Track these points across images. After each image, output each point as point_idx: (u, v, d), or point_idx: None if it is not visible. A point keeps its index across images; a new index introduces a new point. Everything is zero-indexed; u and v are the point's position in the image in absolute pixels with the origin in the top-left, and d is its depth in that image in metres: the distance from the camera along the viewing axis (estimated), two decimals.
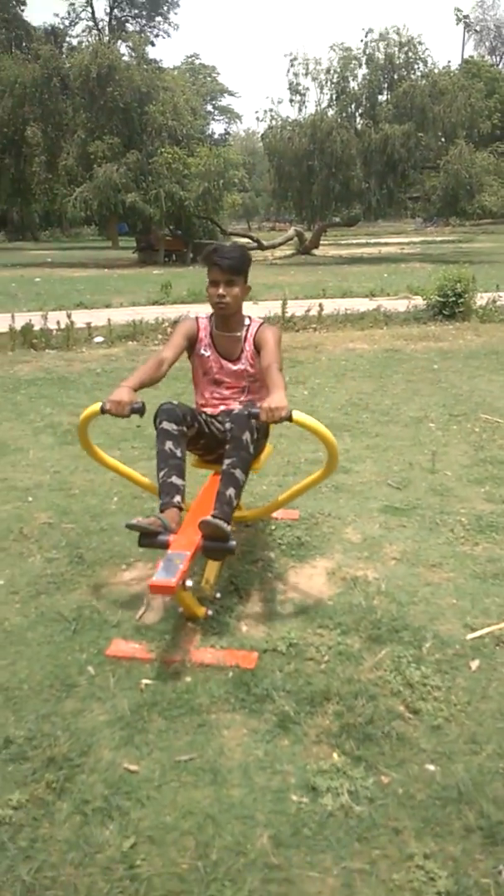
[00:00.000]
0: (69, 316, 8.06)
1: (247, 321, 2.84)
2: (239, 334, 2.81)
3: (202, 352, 2.85)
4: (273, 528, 3.17)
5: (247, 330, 2.82)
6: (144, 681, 2.14)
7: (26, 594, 2.67)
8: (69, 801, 1.71)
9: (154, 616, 2.51)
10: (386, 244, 31.16)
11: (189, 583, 2.25)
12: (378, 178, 23.27)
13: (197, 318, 2.90)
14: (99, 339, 8.14)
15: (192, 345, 2.85)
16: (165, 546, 2.32)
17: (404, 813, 1.68)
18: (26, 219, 39.27)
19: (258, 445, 2.65)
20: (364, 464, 4.03)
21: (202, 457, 2.92)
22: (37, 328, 7.84)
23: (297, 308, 9.25)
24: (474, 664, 2.20)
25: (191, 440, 2.71)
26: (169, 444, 2.56)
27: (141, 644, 2.32)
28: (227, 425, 2.55)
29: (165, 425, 2.59)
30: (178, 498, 2.51)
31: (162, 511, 2.48)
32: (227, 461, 2.47)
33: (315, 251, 26.65)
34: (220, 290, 2.70)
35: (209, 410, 2.85)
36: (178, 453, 2.58)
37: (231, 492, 2.44)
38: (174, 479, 2.54)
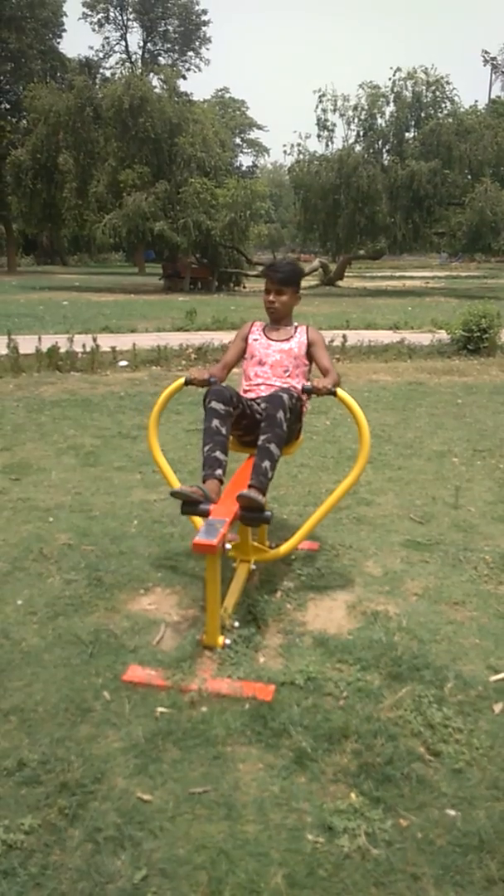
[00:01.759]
0: (95, 339, 8.16)
1: (295, 323, 3.29)
2: (289, 328, 3.24)
3: (253, 338, 3.25)
4: (293, 558, 3.15)
5: (296, 328, 3.24)
6: (160, 708, 2.12)
7: (44, 615, 2.66)
8: (81, 829, 1.69)
9: (171, 642, 2.49)
10: (410, 278, 31.35)
11: (228, 546, 2.52)
12: (404, 213, 23.49)
13: (253, 321, 3.36)
14: (123, 363, 8.22)
15: (246, 339, 3.27)
16: (206, 514, 2.52)
17: (423, 858, 1.63)
18: (56, 243, 40.08)
19: (292, 427, 2.90)
20: (386, 496, 4.01)
21: (241, 437, 3.12)
22: (62, 350, 7.94)
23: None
24: (498, 707, 2.15)
25: (236, 420, 2.94)
26: (216, 422, 2.80)
27: (157, 671, 2.30)
28: (263, 405, 2.84)
29: (214, 404, 2.83)
30: (219, 471, 2.74)
31: (204, 482, 2.70)
32: (262, 437, 2.71)
33: (339, 283, 26.85)
34: (271, 297, 3.18)
35: (251, 395, 3.11)
36: (224, 431, 2.81)
37: (266, 464, 2.67)
38: (218, 454, 2.76)
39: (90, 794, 1.79)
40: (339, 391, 2.86)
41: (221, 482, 2.73)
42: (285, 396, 2.76)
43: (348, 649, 2.43)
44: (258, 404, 3.02)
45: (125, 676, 2.27)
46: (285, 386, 3.04)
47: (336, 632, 2.57)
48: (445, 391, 7.09)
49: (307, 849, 1.65)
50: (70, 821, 1.71)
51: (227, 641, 2.42)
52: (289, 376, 3.13)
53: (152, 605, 2.75)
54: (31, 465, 4.49)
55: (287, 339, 3.19)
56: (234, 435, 3.07)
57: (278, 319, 3.23)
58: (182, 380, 3.08)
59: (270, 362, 3.15)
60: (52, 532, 3.42)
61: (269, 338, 3.22)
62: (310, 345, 3.19)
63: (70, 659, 2.38)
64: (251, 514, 2.56)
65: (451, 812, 1.77)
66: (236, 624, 2.54)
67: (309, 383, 2.90)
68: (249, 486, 2.60)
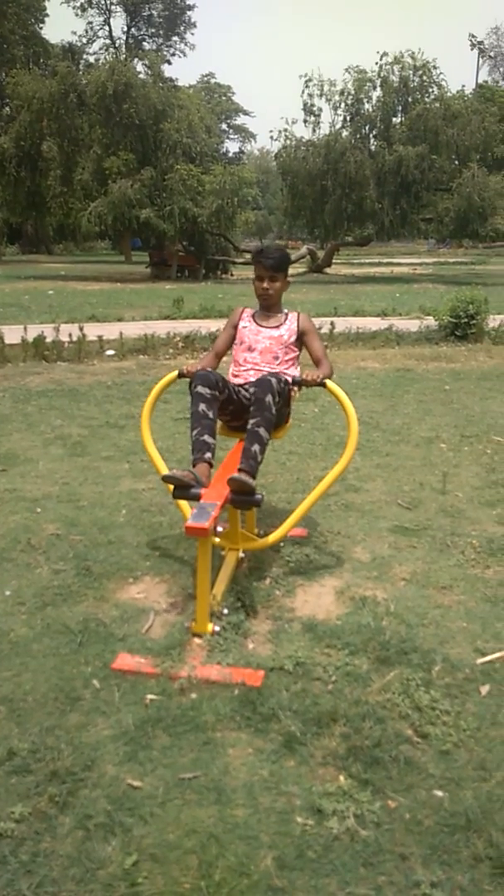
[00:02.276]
0: (81, 328, 8.10)
1: (285, 309, 3.27)
2: (279, 315, 3.23)
3: (242, 325, 3.23)
4: (282, 545, 3.15)
5: (286, 315, 3.23)
6: (149, 696, 2.12)
7: (33, 605, 2.66)
8: (72, 816, 1.69)
9: (160, 630, 2.49)
10: (398, 264, 31.32)
11: (220, 528, 2.52)
12: (391, 199, 23.42)
13: (243, 308, 3.33)
14: (110, 352, 8.17)
15: (236, 326, 3.26)
16: (198, 498, 2.53)
17: (411, 839, 1.65)
18: (40, 232, 39.63)
19: (281, 411, 2.93)
20: (374, 483, 4.02)
21: (229, 423, 3.16)
22: (49, 340, 7.88)
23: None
24: (484, 689, 2.17)
25: (222, 405, 2.95)
26: (202, 406, 2.81)
27: (146, 658, 2.31)
28: (251, 390, 2.83)
29: (199, 389, 2.84)
30: (208, 454, 2.76)
31: (194, 466, 2.72)
32: (251, 421, 2.73)
33: (327, 269, 26.79)
34: (265, 285, 3.14)
35: (239, 381, 3.10)
36: (211, 415, 2.83)
37: (256, 448, 2.69)
38: (206, 438, 2.78)
39: (80, 782, 1.80)
40: (329, 383, 2.91)
41: (211, 465, 2.76)
42: (273, 380, 2.77)
43: (337, 634, 2.45)
44: (246, 389, 3.02)
45: (114, 665, 2.27)
46: (275, 371, 3.04)
47: (325, 617, 2.58)
48: (433, 377, 7.11)
49: (296, 831, 1.67)
50: (60, 808, 1.71)
51: (217, 628, 2.43)
52: (279, 363, 3.13)
53: (141, 594, 2.75)
54: (18, 456, 4.47)
55: (277, 326, 3.19)
56: (221, 420, 3.09)
57: (270, 306, 3.22)
58: (175, 372, 3.10)
59: (260, 349, 3.15)
60: (39, 522, 3.41)
61: (258, 324, 3.21)
62: (302, 333, 3.19)
63: (59, 648, 2.38)
64: (242, 498, 2.58)
65: (439, 793, 1.79)
66: (225, 611, 2.55)
67: (299, 375, 2.87)
68: (239, 470, 2.62)
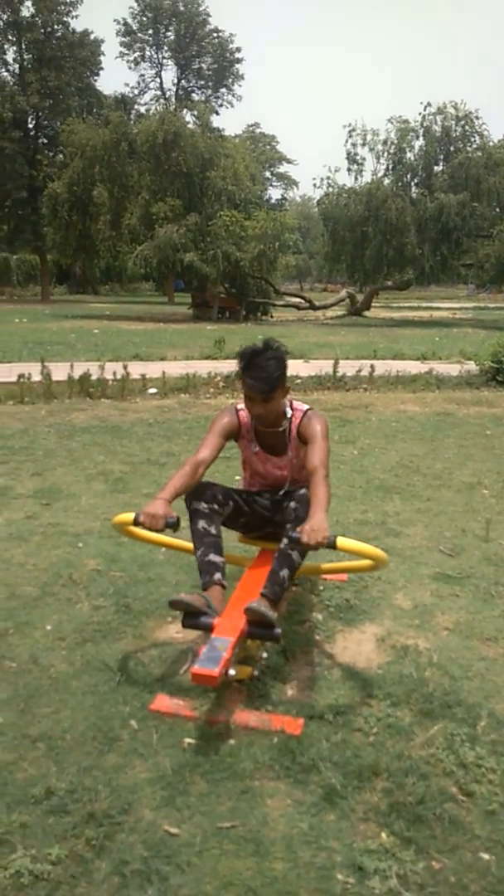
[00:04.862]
0: (125, 367, 8.27)
1: (289, 412, 2.67)
2: (282, 429, 2.67)
3: (247, 445, 2.77)
4: (321, 588, 3.12)
5: (290, 422, 2.67)
6: (187, 739, 2.10)
7: (73, 641, 2.67)
8: (108, 861, 1.67)
9: None
10: (437, 308, 31.35)
11: (232, 671, 2.17)
12: (432, 245, 23.64)
13: (237, 412, 2.73)
14: (152, 390, 8.31)
15: (234, 437, 2.75)
16: (210, 629, 2.27)
17: None
18: (88, 273, 40.87)
19: None
20: (415, 527, 3.97)
21: (245, 534, 2.91)
22: (94, 378, 8.06)
23: (347, 368, 9.31)
24: None
25: (230, 518, 2.72)
26: (202, 524, 2.54)
27: (185, 700, 2.28)
28: (292, 504, 2.48)
29: (195, 505, 2.57)
30: (218, 575, 2.48)
31: (205, 590, 2.45)
32: (286, 541, 2.36)
33: (366, 313, 26.96)
34: (258, 410, 2.58)
35: (252, 487, 2.84)
36: (213, 531, 2.55)
37: (285, 573, 2.40)
38: (212, 557, 2.50)
39: (117, 826, 1.77)
40: (340, 541, 2.16)
41: (224, 587, 2.48)
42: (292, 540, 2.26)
43: (378, 684, 2.39)
44: (263, 497, 2.77)
45: (152, 706, 2.25)
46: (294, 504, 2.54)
47: (365, 665, 2.53)
48: (474, 422, 7.04)
49: (337, 889, 1.61)
50: (97, 852, 1.69)
51: (256, 672, 2.39)
52: (293, 482, 2.76)
53: (179, 633, 2.74)
54: (62, 491, 4.54)
55: (283, 452, 2.72)
56: (236, 531, 2.89)
57: (269, 425, 2.68)
58: (131, 515, 2.39)
59: (271, 480, 2.80)
60: (81, 557, 3.44)
61: (262, 446, 2.74)
62: (303, 439, 2.62)
63: (98, 686, 2.37)
64: (260, 631, 2.27)
65: (485, 856, 1.72)
66: (264, 655, 2.52)
67: (296, 533, 2.18)
68: (262, 595, 2.34)
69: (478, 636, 2.76)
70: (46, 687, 2.37)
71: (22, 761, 2.00)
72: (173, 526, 2.32)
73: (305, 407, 2.71)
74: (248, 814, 1.83)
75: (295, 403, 2.71)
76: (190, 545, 2.65)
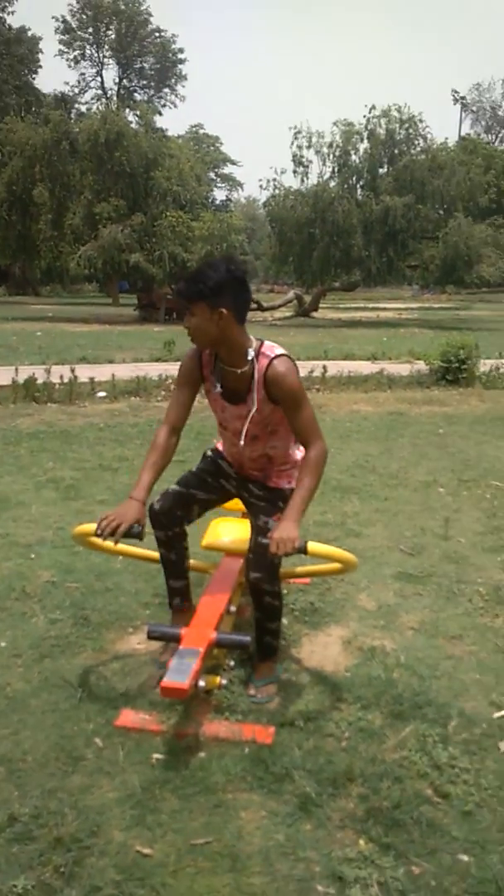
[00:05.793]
0: (72, 370, 8.08)
1: (251, 353, 2.23)
2: (242, 370, 2.26)
3: (210, 386, 2.37)
4: (285, 592, 3.07)
5: (253, 366, 2.24)
6: (156, 755, 2.03)
7: (29, 658, 2.56)
8: (78, 888, 1.59)
9: None
10: (384, 309, 31.81)
11: (202, 683, 2.10)
12: (378, 247, 23.95)
13: (199, 352, 2.35)
14: (102, 393, 8.14)
15: (201, 382, 2.39)
16: (177, 639, 2.18)
17: None
18: (28, 274, 39.93)
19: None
20: (375, 528, 3.97)
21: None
22: (39, 381, 7.85)
23: (299, 369, 9.29)
24: (503, 745, 2.10)
25: (220, 498, 2.58)
26: (162, 551, 2.53)
27: (151, 715, 2.21)
28: (251, 576, 2.27)
29: (154, 532, 2.45)
30: (177, 600, 2.60)
31: (173, 615, 2.62)
32: (256, 614, 2.40)
33: (314, 314, 27.13)
34: (185, 323, 2.24)
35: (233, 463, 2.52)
36: (173, 556, 2.52)
37: (268, 639, 2.44)
38: (171, 583, 2.58)
39: (86, 850, 1.69)
40: (311, 546, 2.09)
41: (185, 610, 2.54)
42: (276, 560, 2.16)
43: (347, 687, 2.37)
44: (257, 487, 2.48)
45: (117, 721, 2.17)
46: (274, 486, 2.44)
47: (333, 669, 2.51)
48: (427, 421, 7.13)
49: None
50: (66, 880, 1.61)
51: (224, 682, 2.33)
52: (259, 442, 2.37)
53: (141, 644, 2.66)
54: (10, 500, 4.38)
55: (244, 400, 2.30)
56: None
57: (217, 347, 2.27)
58: (93, 526, 2.25)
59: (231, 430, 2.39)
60: (34, 569, 3.32)
61: (225, 391, 2.33)
62: (273, 395, 2.25)
63: (58, 704, 2.28)
64: (229, 640, 2.25)
65: (464, 857, 1.71)
66: (231, 663, 2.47)
67: (266, 540, 2.09)
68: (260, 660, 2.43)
69: (443, 635, 2.76)
70: (3, 707, 2.26)
71: None
72: (136, 535, 2.18)
73: (278, 351, 2.26)
74: (222, 828, 1.77)
75: (265, 347, 2.27)
76: (156, 554, 2.58)
